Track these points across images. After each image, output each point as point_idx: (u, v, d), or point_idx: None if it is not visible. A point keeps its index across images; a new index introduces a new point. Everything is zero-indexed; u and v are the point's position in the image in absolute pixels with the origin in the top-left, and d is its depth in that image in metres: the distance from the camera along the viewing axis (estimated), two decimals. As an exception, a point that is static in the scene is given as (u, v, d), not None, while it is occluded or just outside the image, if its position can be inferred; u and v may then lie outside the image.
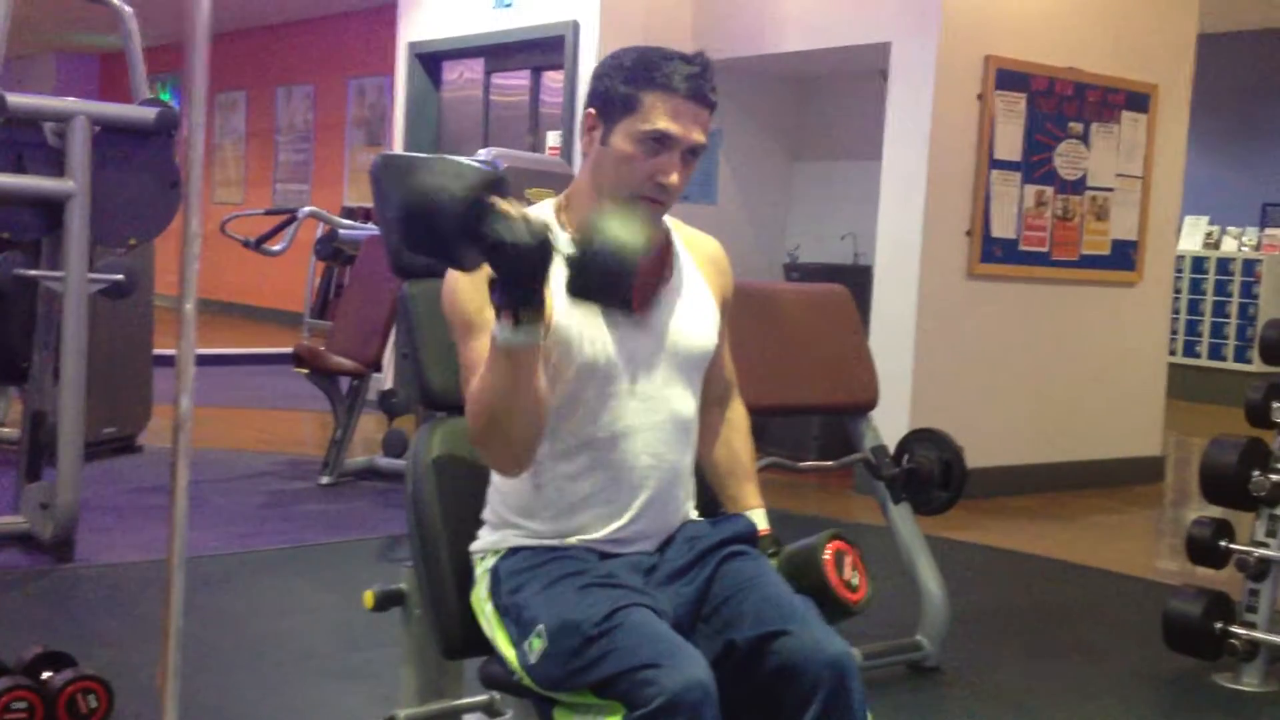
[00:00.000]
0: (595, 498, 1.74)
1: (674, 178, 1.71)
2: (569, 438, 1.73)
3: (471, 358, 1.67)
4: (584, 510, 1.75)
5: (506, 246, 1.46)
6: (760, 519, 1.90)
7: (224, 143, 13.53)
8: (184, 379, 1.35)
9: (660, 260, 1.80)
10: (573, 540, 1.75)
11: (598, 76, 1.75)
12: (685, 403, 1.80)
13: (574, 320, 1.70)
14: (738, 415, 1.99)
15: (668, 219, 1.85)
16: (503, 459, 1.67)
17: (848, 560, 1.82)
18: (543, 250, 1.47)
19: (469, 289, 1.67)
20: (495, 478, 1.80)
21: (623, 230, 1.52)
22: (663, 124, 1.69)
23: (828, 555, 1.80)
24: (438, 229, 1.49)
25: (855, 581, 1.80)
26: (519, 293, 1.50)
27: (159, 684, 1.45)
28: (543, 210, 1.78)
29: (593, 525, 1.75)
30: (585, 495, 1.74)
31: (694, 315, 1.81)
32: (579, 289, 1.56)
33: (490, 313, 1.57)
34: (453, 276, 1.71)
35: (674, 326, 1.78)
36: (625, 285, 1.53)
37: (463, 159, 1.65)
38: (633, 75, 1.71)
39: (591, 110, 1.75)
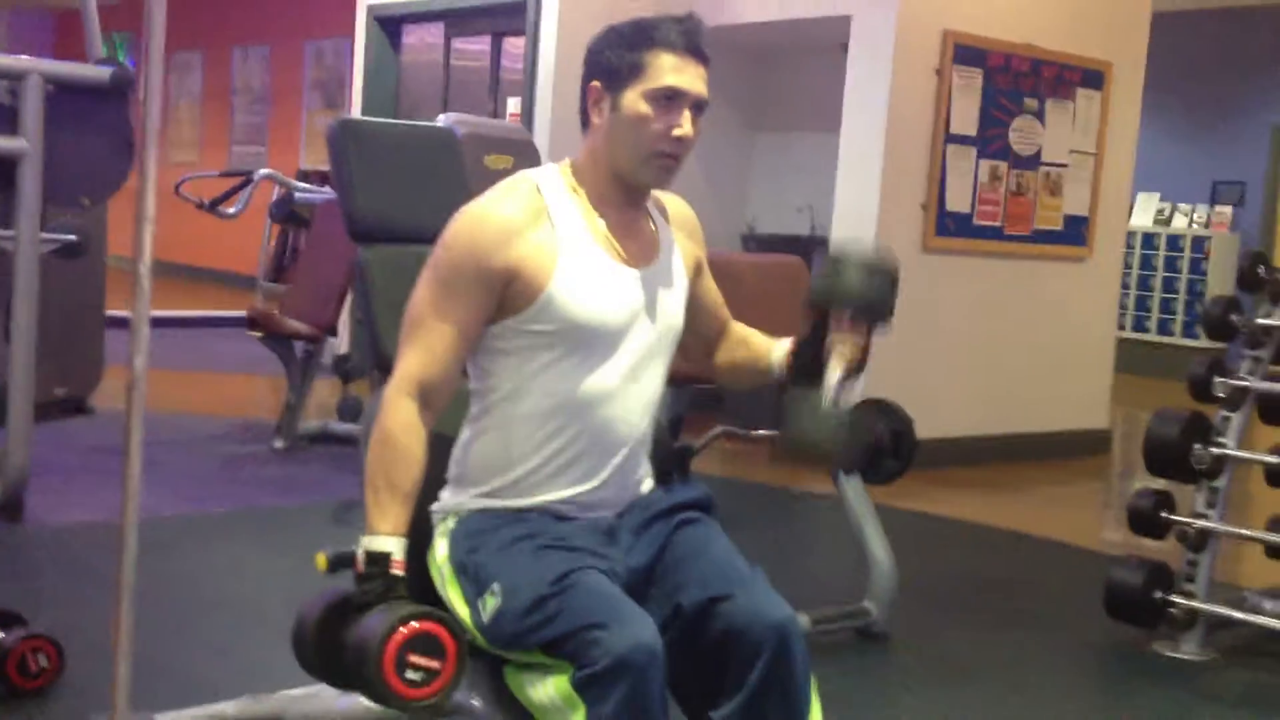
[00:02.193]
0: (568, 459, 1.77)
1: (688, 129, 1.76)
2: (548, 398, 1.75)
3: (427, 313, 1.73)
4: (555, 472, 1.77)
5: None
6: (781, 347, 1.93)
7: (179, 103, 13.35)
8: (138, 339, 1.35)
9: (647, 223, 1.86)
10: (537, 500, 1.77)
11: (596, 51, 1.81)
12: (660, 374, 1.86)
13: (568, 282, 1.73)
14: (742, 326, 2.05)
15: None
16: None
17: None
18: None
19: (475, 243, 1.71)
20: (465, 435, 1.82)
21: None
22: (671, 80, 1.75)
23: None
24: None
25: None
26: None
27: (113, 643, 1.46)
28: (547, 176, 1.81)
29: (560, 485, 1.77)
30: (558, 456, 1.77)
31: (674, 293, 1.87)
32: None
33: (461, 307, 1.69)
34: (467, 219, 1.74)
35: (660, 302, 1.83)
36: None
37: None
38: (634, 40, 1.77)
39: (595, 83, 1.80)
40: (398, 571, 1.65)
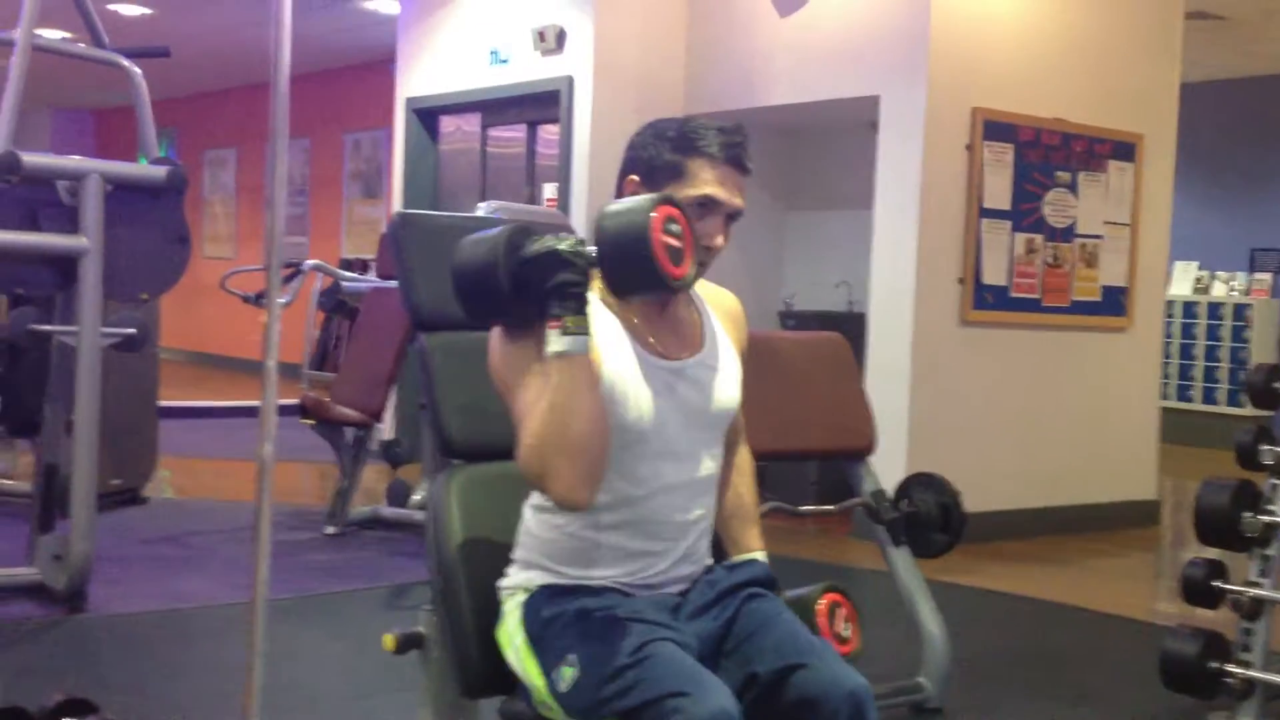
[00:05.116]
0: (626, 551, 1.79)
1: (719, 240, 1.81)
2: (603, 494, 1.76)
3: (522, 406, 1.69)
4: (613, 562, 1.79)
5: (543, 256, 1.61)
6: (763, 559, 1.98)
7: (213, 198, 13.64)
8: (267, 427, 1.45)
9: (688, 312, 1.89)
10: (605, 574, 1.80)
11: (638, 146, 1.84)
12: (714, 459, 1.87)
13: (614, 381, 1.75)
14: (744, 461, 2.06)
15: None
16: (570, 478, 1.63)
17: (841, 613, 1.89)
18: (576, 255, 1.63)
19: (511, 345, 1.72)
20: (528, 520, 1.85)
21: (625, 212, 1.65)
22: (709, 189, 1.79)
23: (821, 605, 1.87)
24: (490, 290, 1.66)
25: (846, 634, 1.87)
26: (564, 300, 1.61)
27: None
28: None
29: (625, 567, 1.80)
30: (616, 547, 1.79)
31: (723, 374, 1.88)
32: (616, 285, 1.68)
33: (536, 367, 1.66)
34: (495, 337, 1.76)
35: (706, 386, 1.84)
36: (650, 262, 1.63)
37: (485, 230, 1.74)
38: (678, 144, 1.81)
39: (634, 177, 1.83)
40: None
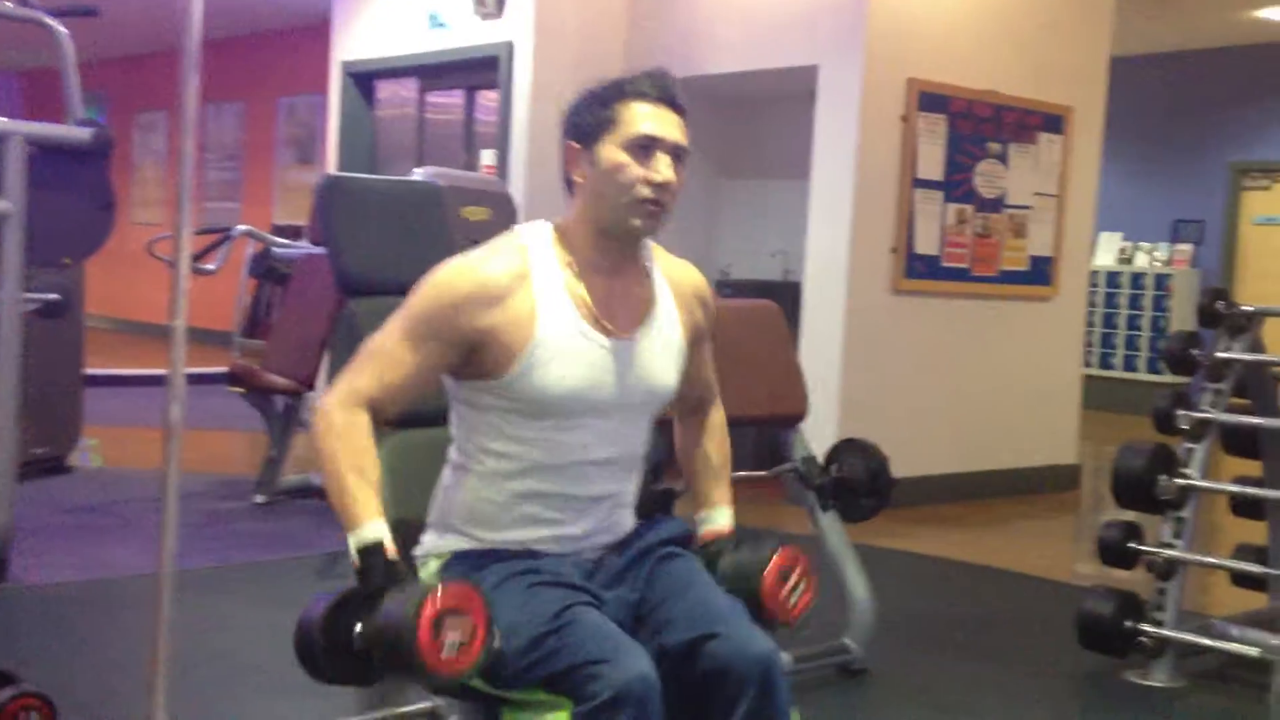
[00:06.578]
0: (550, 517, 1.80)
1: (669, 174, 1.76)
2: (524, 460, 1.77)
3: (389, 345, 1.74)
4: (536, 522, 1.80)
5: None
6: (725, 516, 1.99)
7: (144, 162, 13.38)
8: (174, 389, 1.43)
9: (642, 288, 1.86)
10: (519, 537, 1.80)
11: (571, 112, 1.82)
12: (641, 439, 1.88)
13: (547, 351, 1.74)
14: (716, 422, 2.07)
15: (652, 244, 1.90)
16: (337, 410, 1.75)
17: (794, 573, 1.88)
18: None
19: (452, 299, 1.72)
20: (444, 481, 1.86)
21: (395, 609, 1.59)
22: (645, 127, 1.76)
23: (770, 569, 1.87)
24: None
25: (795, 599, 1.87)
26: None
27: (148, 695, 1.48)
28: (537, 237, 1.81)
29: (542, 530, 1.81)
30: (538, 510, 1.80)
31: (663, 358, 1.85)
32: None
33: (422, 354, 1.72)
34: (450, 272, 1.75)
35: (641, 367, 1.82)
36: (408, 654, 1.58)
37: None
38: (607, 95, 1.79)
39: (572, 143, 1.81)
40: (394, 556, 1.66)
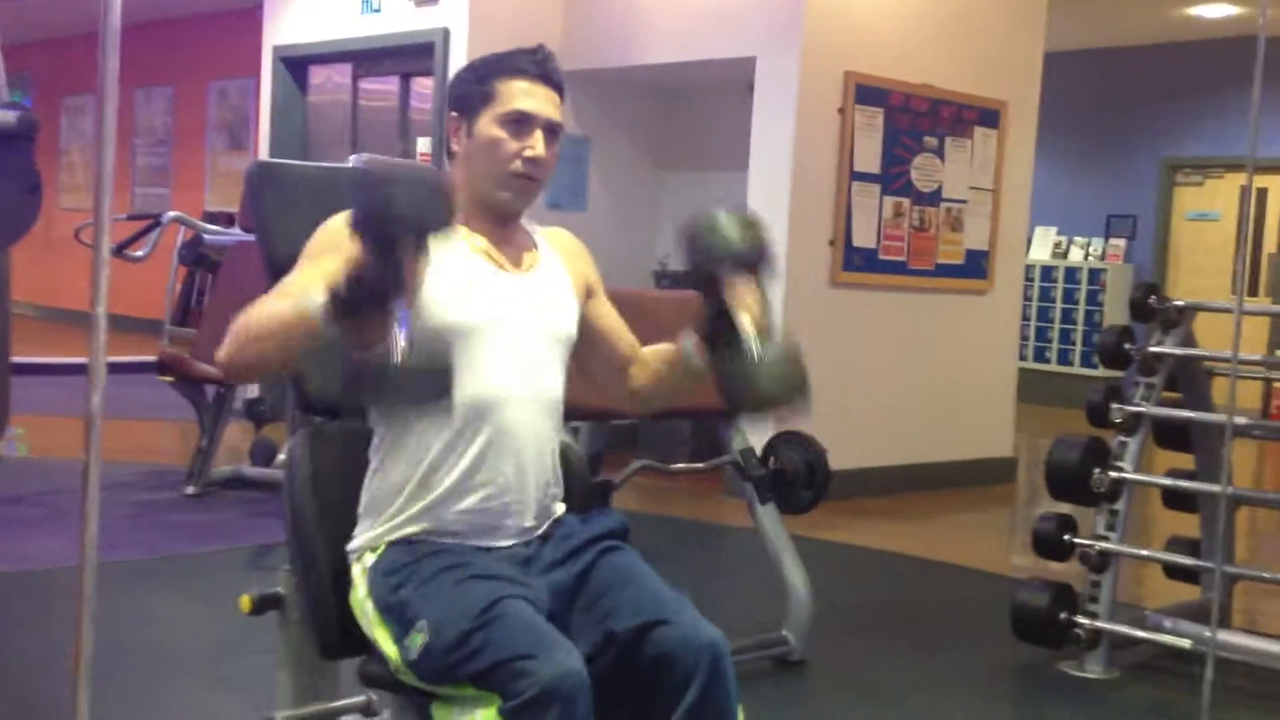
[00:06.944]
0: (474, 462, 1.77)
1: (541, 150, 1.83)
2: (441, 422, 1.76)
3: (290, 277, 1.74)
4: (464, 477, 1.77)
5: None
6: (688, 337, 1.89)
7: (71, 147, 13.11)
8: (95, 378, 1.38)
9: (525, 243, 1.91)
10: (451, 513, 1.78)
11: (454, 84, 1.90)
12: (555, 382, 1.88)
13: (436, 285, 1.74)
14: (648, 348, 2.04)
15: (526, 224, 1.94)
16: (247, 366, 1.80)
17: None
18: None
19: (341, 232, 1.67)
20: (373, 463, 1.83)
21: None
22: (519, 103, 1.83)
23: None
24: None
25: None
26: (368, 309, 1.60)
27: (72, 690, 1.44)
28: None
29: (471, 490, 1.77)
30: (463, 459, 1.77)
31: (557, 301, 1.91)
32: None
33: (334, 260, 1.64)
34: (341, 215, 1.72)
35: (540, 305, 1.87)
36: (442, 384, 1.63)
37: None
38: (485, 71, 1.86)
39: (453, 114, 1.88)
40: None
